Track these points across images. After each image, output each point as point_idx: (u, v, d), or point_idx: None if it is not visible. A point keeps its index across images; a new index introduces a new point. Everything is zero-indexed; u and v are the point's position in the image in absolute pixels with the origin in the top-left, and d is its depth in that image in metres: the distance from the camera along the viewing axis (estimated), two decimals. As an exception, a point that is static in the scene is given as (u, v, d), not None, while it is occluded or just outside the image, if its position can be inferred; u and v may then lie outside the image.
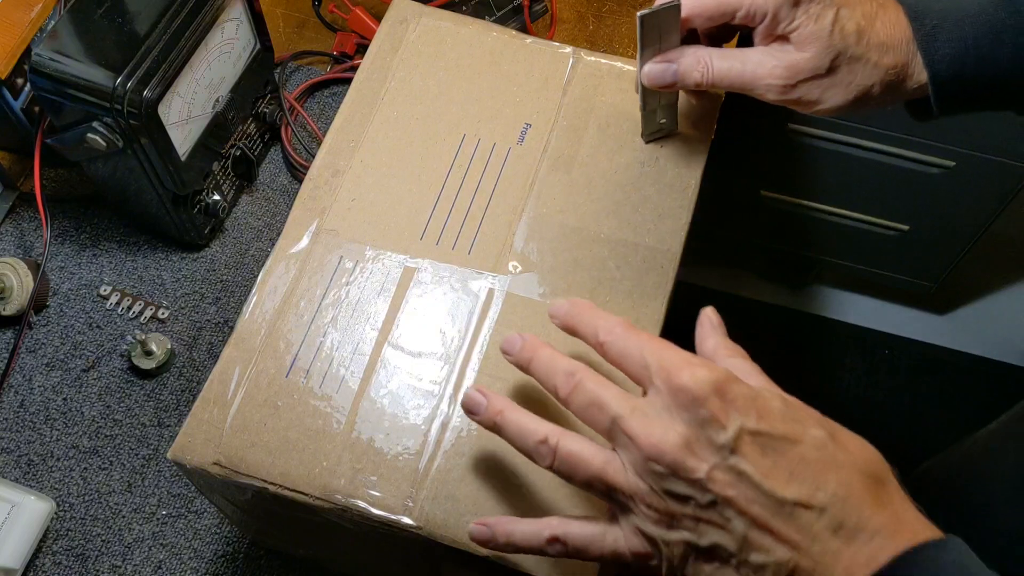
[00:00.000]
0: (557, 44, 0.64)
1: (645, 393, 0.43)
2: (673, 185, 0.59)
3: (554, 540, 0.44)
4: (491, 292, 0.55)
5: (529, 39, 0.64)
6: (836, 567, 0.39)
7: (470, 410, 0.47)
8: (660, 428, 0.41)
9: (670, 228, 0.58)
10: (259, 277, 0.56)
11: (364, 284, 0.55)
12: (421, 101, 0.61)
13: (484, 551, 0.48)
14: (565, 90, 0.62)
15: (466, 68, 0.63)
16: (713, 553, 0.41)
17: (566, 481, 0.44)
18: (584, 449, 0.43)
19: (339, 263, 0.56)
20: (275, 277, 0.55)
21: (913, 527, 0.40)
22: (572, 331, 0.47)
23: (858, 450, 0.42)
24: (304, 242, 0.56)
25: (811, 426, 0.41)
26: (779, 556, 0.40)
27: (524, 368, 0.47)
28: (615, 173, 0.59)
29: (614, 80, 0.62)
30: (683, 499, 0.41)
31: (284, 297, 0.55)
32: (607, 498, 0.44)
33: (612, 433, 0.43)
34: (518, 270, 0.56)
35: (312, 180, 0.59)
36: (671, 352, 0.43)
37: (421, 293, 0.55)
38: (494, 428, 0.46)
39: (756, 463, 0.40)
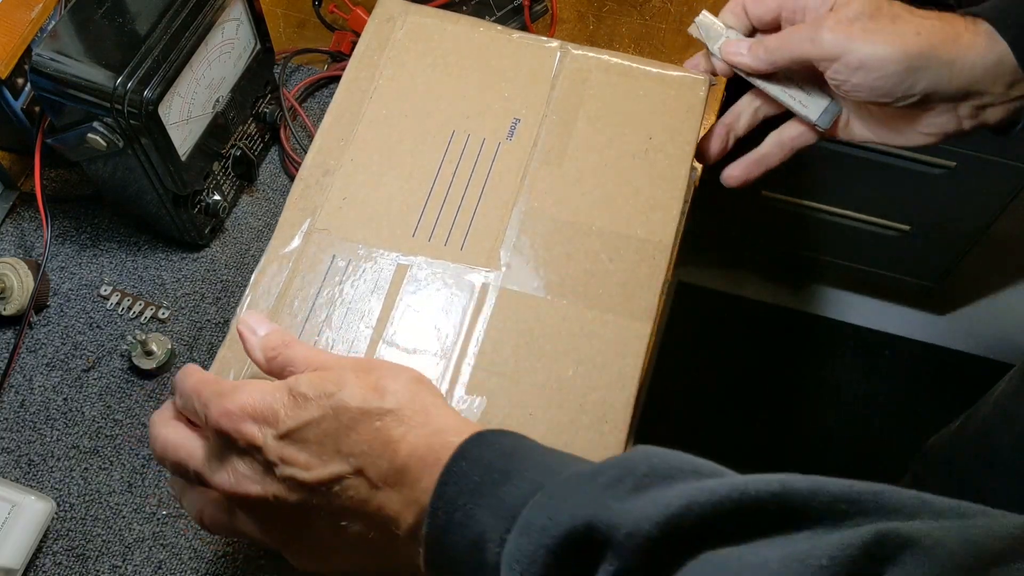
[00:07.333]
0: (544, 38, 0.64)
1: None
2: (664, 176, 0.59)
3: None
4: (485, 287, 0.55)
5: (516, 34, 0.64)
6: (399, 515, 0.42)
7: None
8: (222, 471, 0.45)
9: (662, 219, 0.58)
10: (252, 278, 0.56)
11: (357, 282, 0.55)
12: (410, 98, 0.61)
13: None
14: (553, 84, 0.62)
15: (454, 65, 0.63)
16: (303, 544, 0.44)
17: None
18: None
19: (332, 262, 0.56)
20: (268, 278, 0.55)
21: (438, 440, 0.42)
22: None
23: (375, 389, 0.43)
24: (296, 242, 0.56)
25: (318, 396, 0.43)
26: (356, 530, 0.43)
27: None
28: (606, 166, 0.59)
29: (602, 73, 0.62)
30: (276, 507, 0.44)
31: (278, 297, 0.55)
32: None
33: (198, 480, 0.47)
34: (511, 265, 0.56)
35: (303, 180, 0.59)
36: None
37: (415, 290, 0.55)
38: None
39: (297, 462, 0.43)
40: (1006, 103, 0.54)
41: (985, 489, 0.88)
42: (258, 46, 0.74)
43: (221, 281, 0.76)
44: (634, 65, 0.63)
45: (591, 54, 0.63)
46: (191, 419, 0.48)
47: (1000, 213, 1.40)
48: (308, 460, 0.43)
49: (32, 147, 0.70)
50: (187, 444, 0.47)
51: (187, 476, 0.47)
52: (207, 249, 0.77)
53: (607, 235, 0.57)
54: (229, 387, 0.45)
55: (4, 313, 0.71)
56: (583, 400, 0.53)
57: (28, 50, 0.70)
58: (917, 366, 1.67)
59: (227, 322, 0.74)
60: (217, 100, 0.71)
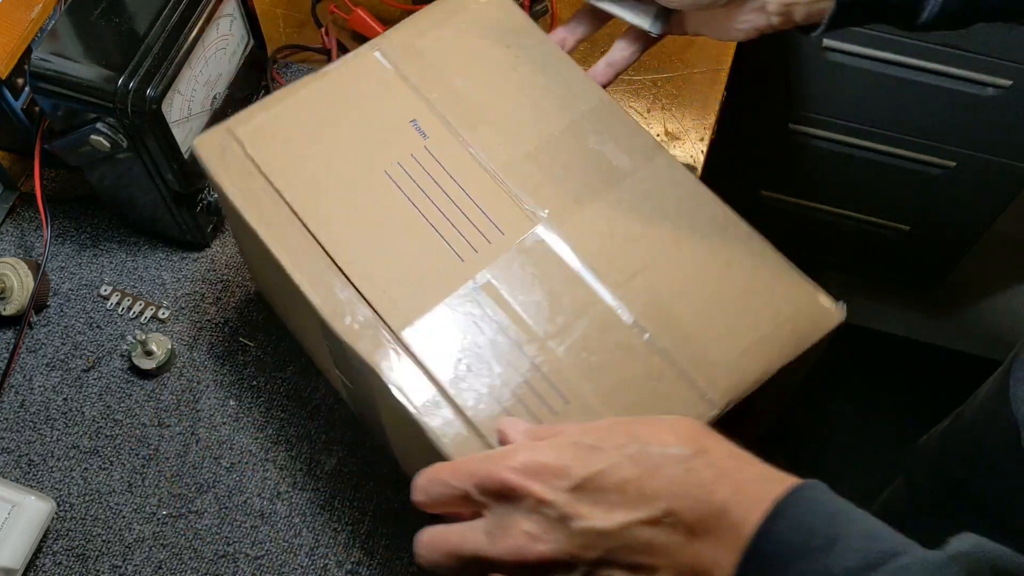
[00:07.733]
0: (354, 52, 0.63)
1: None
2: (548, 63, 0.63)
3: None
4: (552, 237, 0.56)
5: (332, 65, 0.63)
6: (715, 566, 0.39)
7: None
8: (506, 538, 0.41)
9: (585, 88, 0.62)
10: (415, 418, 0.51)
11: (473, 328, 0.54)
12: (323, 183, 0.58)
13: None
14: (404, 76, 0.62)
15: (320, 129, 0.60)
16: None
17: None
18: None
19: (443, 338, 0.54)
20: (426, 404, 0.52)
21: (754, 488, 0.40)
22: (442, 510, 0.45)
23: (668, 435, 0.41)
24: (394, 357, 0.53)
25: (611, 447, 0.41)
26: None
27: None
28: (510, 91, 0.61)
29: (423, 38, 0.63)
30: (568, 569, 0.41)
31: (447, 399, 0.52)
32: None
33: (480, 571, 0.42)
34: (548, 207, 0.57)
35: (327, 314, 0.54)
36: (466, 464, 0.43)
37: (513, 290, 0.55)
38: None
39: (593, 514, 0.40)
40: (809, 3, 0.55)
41: (975, 489, 0.89)
42: (251, 42, 0.74)
43: (221, 281, 0.76)
44: (437, 15, 0.65)
45: (395, 33, 0.64)
46: (447, 512, 0.45)
47: (1000, 213, 1.40)
48: (608, 510, 0.40)
49: (32, 147, 0.70)
50: (455, 529, 0.43)
51: (463, 565, 0.43)
52: (207, 249, 0.77)
53: (569, 128, 0.60)
54: (500, 452, 0.42)
55: (4, 313, 0.71)
56: (703, 236, 0.56)
57: (28, 50, 0.70)
58: (917, 366, 1.67)
59: (227, 322, 0.74)
60: (215, 97, 0.71)
